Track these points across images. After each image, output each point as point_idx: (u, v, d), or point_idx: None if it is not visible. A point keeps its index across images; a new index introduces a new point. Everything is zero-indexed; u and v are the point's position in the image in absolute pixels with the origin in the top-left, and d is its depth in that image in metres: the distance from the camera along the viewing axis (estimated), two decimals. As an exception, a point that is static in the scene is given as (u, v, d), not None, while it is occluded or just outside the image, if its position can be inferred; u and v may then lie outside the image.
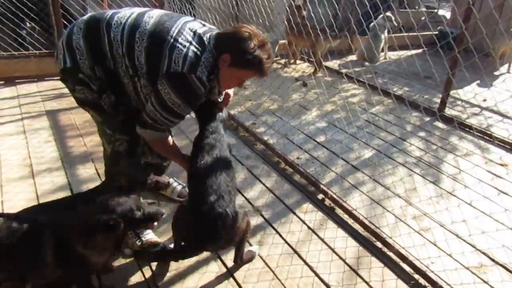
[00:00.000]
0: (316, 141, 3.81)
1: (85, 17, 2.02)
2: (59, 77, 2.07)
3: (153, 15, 1.97)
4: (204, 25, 2.05)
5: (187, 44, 1.87)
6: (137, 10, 2.02)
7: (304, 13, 5.65)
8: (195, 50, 1.87)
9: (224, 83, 2.06)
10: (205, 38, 1.93)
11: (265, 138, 3.70)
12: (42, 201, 2.64)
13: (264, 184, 3.05)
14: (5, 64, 4.65)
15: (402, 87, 5.57)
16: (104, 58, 1.95)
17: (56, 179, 2.92)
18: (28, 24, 5.25)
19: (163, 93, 1.88)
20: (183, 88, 1.88)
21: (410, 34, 6.68)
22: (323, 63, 5.96)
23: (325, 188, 2.94)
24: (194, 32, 1.94)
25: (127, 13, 1.98)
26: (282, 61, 6.36)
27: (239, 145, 3.65)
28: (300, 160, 3.44)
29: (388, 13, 6.33)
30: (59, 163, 3.14)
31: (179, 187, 2.78)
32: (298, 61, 6.44)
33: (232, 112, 4.29)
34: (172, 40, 1.87)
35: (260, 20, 5.07)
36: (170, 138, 2.19)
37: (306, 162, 3.41)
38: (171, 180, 2.81)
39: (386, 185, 3.12)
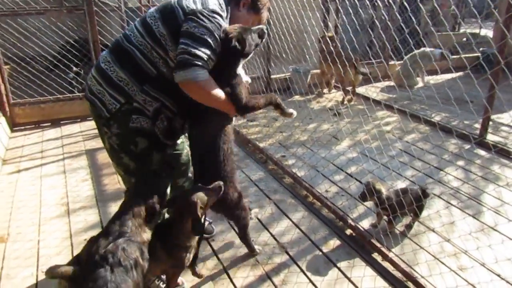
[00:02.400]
0: (346, 172, 3.72)
1: (103, 53, 2.12)
2: (103, 125, 2.09)
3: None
4: None
5: None
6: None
7: (336, 42, 5.67)
8: None
9: (241, 22, 2.10)
10: None
11: (294, 170, 3.67)
12: (75, 240, 2.77)
13: (290, 219, 3.00)
14: (52, 107, 5.01)
15: (440, 113, 5.35)
16: (146, 73, 2.01)
17: (89, 217, 3.04)
18: (74, 69, 5.66)
19: (191, 27, 1.89)
20: (206, 18, 1.91)
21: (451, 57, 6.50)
22: (356, 89, 5.90)
23: (353, 223, 2.84)
24: None
25: (134, 22, 2.12)
26: (316, 91, 6.35)
27: (268, 178, 3.64)
28: (328, 193, 3.36)
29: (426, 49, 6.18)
30: (93, 201, 3.28)
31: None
32: (332, 90, 6.42)
33: (262, 144, 4.31)
34: None
35: (293, 52, 5.14)
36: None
37: (334, 195, 3.33)
38: None
39: (420, 219, 2.96)
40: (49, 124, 5.00)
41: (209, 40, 1.90)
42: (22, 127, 4.83)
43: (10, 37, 5.48)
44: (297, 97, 6.07)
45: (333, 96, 6.18)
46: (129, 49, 2.02)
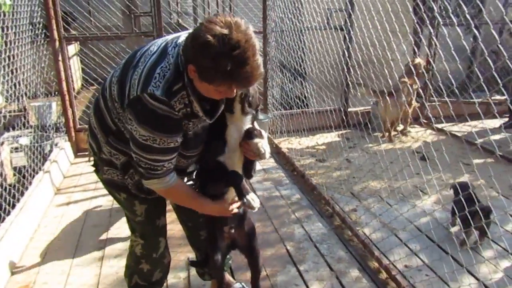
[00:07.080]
0: (431, 239, 2.95)
1: None
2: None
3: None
4: None
5: (147, 59, 1.50)
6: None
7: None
8: (151, 63, 1.47)
9: (206, 95, 1.50)
10: (169, 46, 1.51)
11: (366, 231, 3.02)
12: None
13: (354, 303, 2.36)
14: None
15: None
16: (109, 126, 1.68)
17: (121, 270, 2.67)
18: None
19: (132, 130, 1.49)
20: (142, 114, 1.44)
21: None
22: (446, 128, 5.00)
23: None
24: (164, 44, 1.54)
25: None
26: (398, 128, 5.52)
27: (331, 239, 3.02)
28: (409, 270, 2.64)
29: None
30: (131, 249, 2.95)
31: None
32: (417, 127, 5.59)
33: (329, 192, 3.70)
34: (134, 63, 1.52)
35: (376, 83, 4.51)
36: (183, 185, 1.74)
37: (417, 272, 2.60)
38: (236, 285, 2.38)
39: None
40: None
41: (154, 145, 1.49)
42: (86, 153, 4.77)
43: (91, 62, 5.62)
44: (378, 134, 5.33)
45: (420, 135, 5.34)
46: (98, 96, 1.72)
